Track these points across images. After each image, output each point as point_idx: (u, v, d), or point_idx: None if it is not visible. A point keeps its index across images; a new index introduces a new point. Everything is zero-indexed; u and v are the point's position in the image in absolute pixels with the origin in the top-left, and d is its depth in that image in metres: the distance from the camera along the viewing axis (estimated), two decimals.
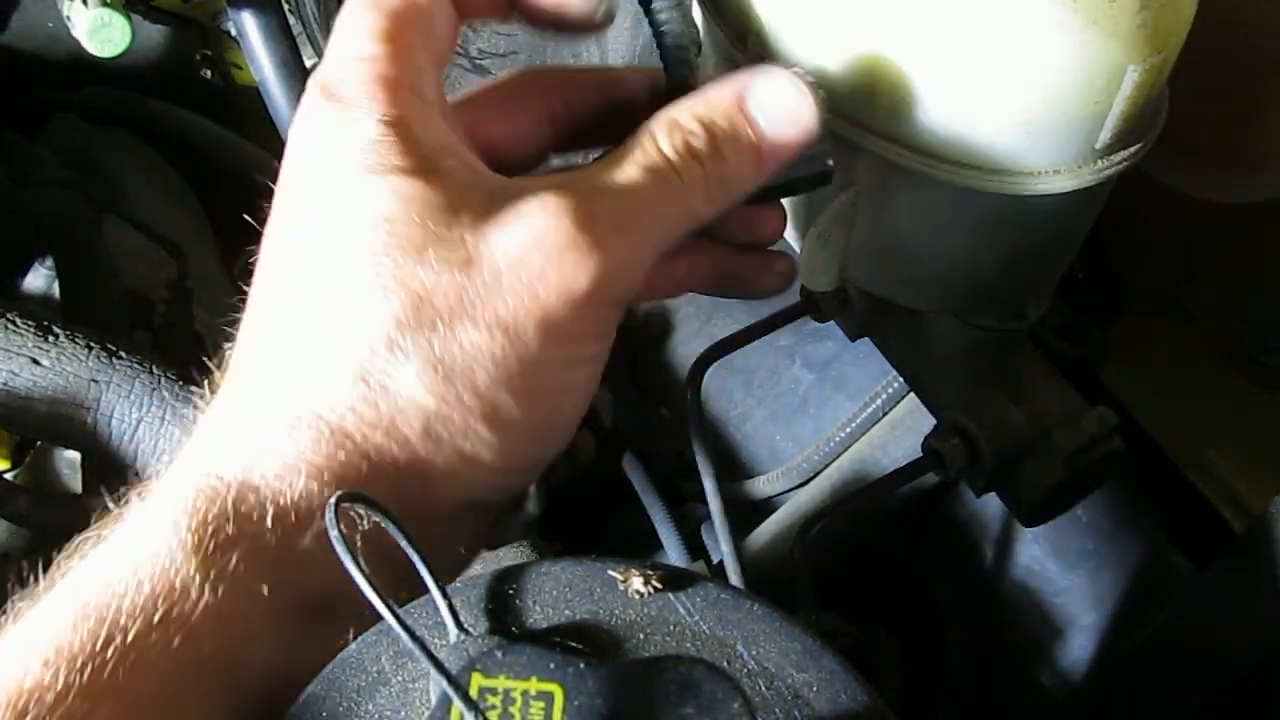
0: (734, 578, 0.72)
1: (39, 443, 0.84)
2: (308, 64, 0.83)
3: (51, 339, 0.68)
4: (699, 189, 0.43)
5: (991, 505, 0.82)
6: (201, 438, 0.41)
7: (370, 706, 0.33)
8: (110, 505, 0.41)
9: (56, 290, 0.92)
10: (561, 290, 0.39)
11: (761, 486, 0.91)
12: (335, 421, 0.38)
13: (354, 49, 0.42)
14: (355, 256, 0.39)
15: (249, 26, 0.67)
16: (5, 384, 0.67)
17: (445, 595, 0.34)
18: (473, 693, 0.28)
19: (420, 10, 0.43)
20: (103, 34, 0.62)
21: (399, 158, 0.39)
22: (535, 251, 0.39)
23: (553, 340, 0.40)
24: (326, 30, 0.84)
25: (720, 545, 0.73)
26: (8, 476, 0.81)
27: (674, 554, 0.93)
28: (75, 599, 0.36)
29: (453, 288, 0.39)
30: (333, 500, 0.31)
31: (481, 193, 0.40)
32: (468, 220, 0.39)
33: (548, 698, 0.28)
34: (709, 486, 0.71)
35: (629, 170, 0.42)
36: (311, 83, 0.43)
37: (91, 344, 0.69)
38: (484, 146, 0.46)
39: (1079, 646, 0.78)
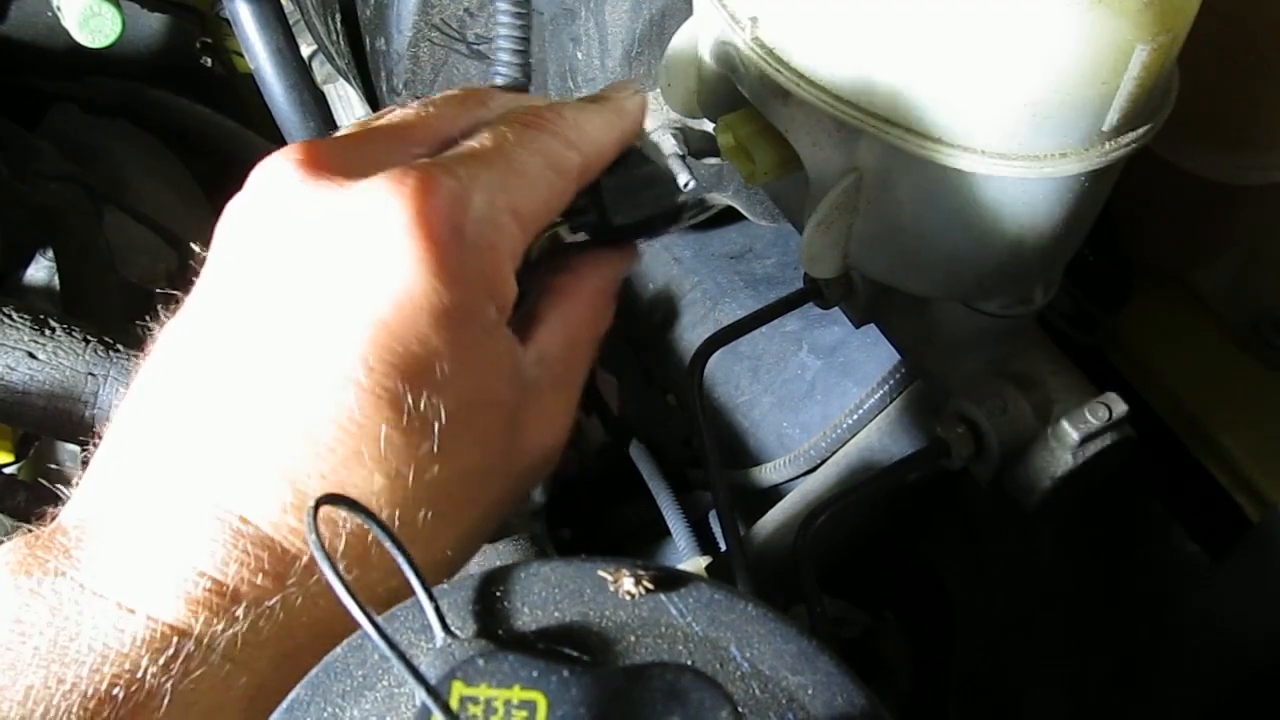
0: (738, 566, 0.71)
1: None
2: (304, 51, 0.82)
3: (48, 333, 0.67)
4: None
5: (1002, 491, 0.82)
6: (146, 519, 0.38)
7: (355, 712, 0.32)
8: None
9: (58, 282, 0.92)
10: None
11: (768, 474, 0.90)
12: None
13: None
14: None
15: (243, 13, 0.66)
16: (1, 378, 0.66)
17: (432, 598, 0.33)
18: (453, 702, 0.28)
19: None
20: (93, 24, 0.61)
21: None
22: None
23: None
24: (324, 16, 0.83)
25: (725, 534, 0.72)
26: (10, 470, 0.81)
27: (681, 542, 0.92)
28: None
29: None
30: (311, 504, 0.30)
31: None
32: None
33: (530, 706, 0.28)
34: (713, 474, 0.71)
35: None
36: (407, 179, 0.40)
37: (89, 337, 0.68)
38: None
39: (1091, 635, 0.77)
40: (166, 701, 0.35)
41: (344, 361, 0.37)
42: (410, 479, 0.38)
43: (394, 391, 0.37)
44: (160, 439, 0.39)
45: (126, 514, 0.38)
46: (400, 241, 0.38)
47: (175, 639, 0.35)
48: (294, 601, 0.37)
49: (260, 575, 0.36)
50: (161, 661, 0.35)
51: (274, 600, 0.37)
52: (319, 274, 0.38)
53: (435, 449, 0.38)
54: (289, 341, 0.38)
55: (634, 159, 0.51)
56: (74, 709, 0.34)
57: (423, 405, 0.37)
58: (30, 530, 0.38)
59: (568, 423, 0.46)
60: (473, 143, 0.43)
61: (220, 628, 0.36)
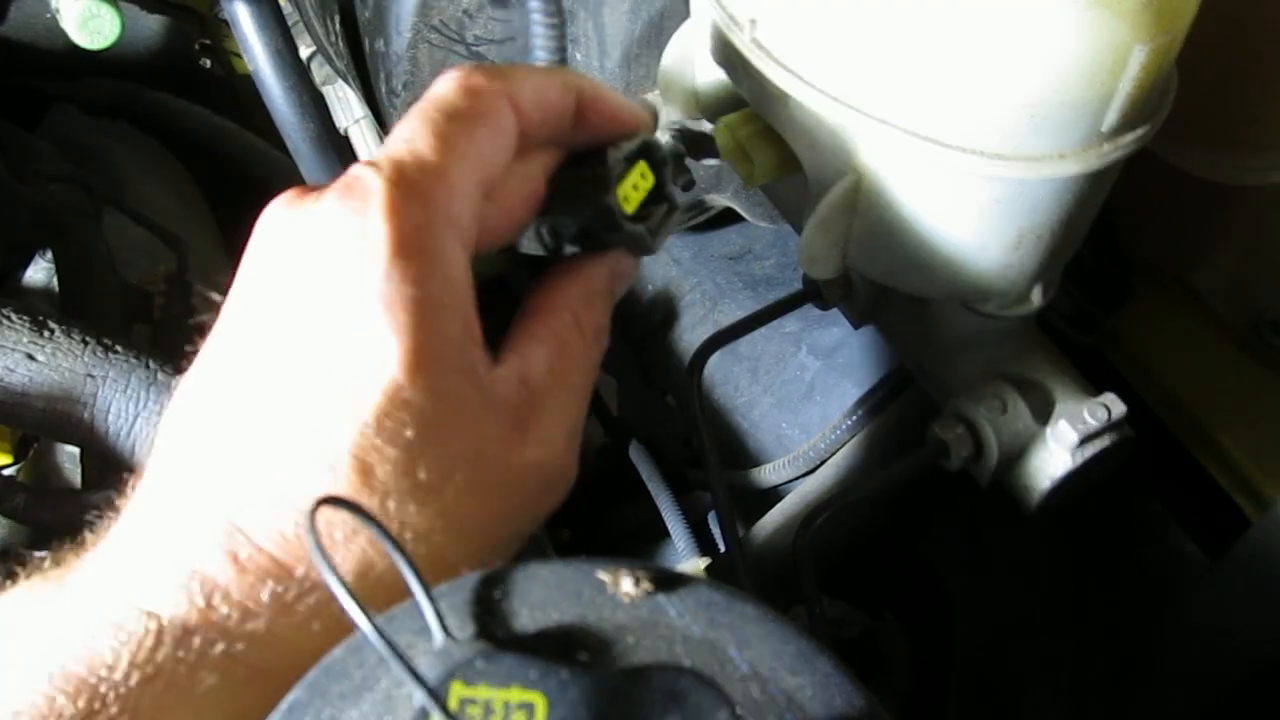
0: (738, 567, 0.71)
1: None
2: (303, 53, 0.82)
3: (47, 334, 0.67)
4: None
5: (1002, 491, 0.81)
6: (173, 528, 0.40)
7: (354, 713, 0.32)
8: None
9: (57, 284, 0.92)
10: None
11: (768, 475, 0.90)
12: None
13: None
14: None
15: (241, 14, 0.66)
16: (0, 380, 0.66)
17: (431, 599, 0.33)
18: (453, 703, 0.28)
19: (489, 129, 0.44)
20: (91, 25, 0.61)
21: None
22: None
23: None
24: (323, 17, 0.83)
25: (724, 535, 0.72)
26: (9, 472, 0.81)
27: (680, 543, 0.92)
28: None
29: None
30: (310, 507, 0.30)
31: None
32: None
33: (529, 708, 0.28)
34: (713, 475, 0.71)
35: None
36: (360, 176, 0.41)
37: (88, 339, 0.68)
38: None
39: (1090, 635, 0.77)
40: (134, 682, 0.37)
41: (314, 367, 0.40)
42: (386, 475, 0.39)
43: (354, 386, 0.39)
44: (158, 468, 0.42)
45: (122, 528, 0.41)
46: (341, 246, 0.40)
47: (150, 624, 0.38)
48: (261, 592, 0.39)
49: (230, 565, 0.39)
50: (130, 644, 0.37)
51: (238, 583, 0.39)
52: (287, 288, 0.41)
53: (411, 443, 0.39)
54: (271, 359, 0.41)
55: (595, 160, 0.48)
56: (52, 693, 0.37)
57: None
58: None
59: (574, 430, 0.46)
60: (395, 135, 0.44)
61: (185, 608, 0.38)
